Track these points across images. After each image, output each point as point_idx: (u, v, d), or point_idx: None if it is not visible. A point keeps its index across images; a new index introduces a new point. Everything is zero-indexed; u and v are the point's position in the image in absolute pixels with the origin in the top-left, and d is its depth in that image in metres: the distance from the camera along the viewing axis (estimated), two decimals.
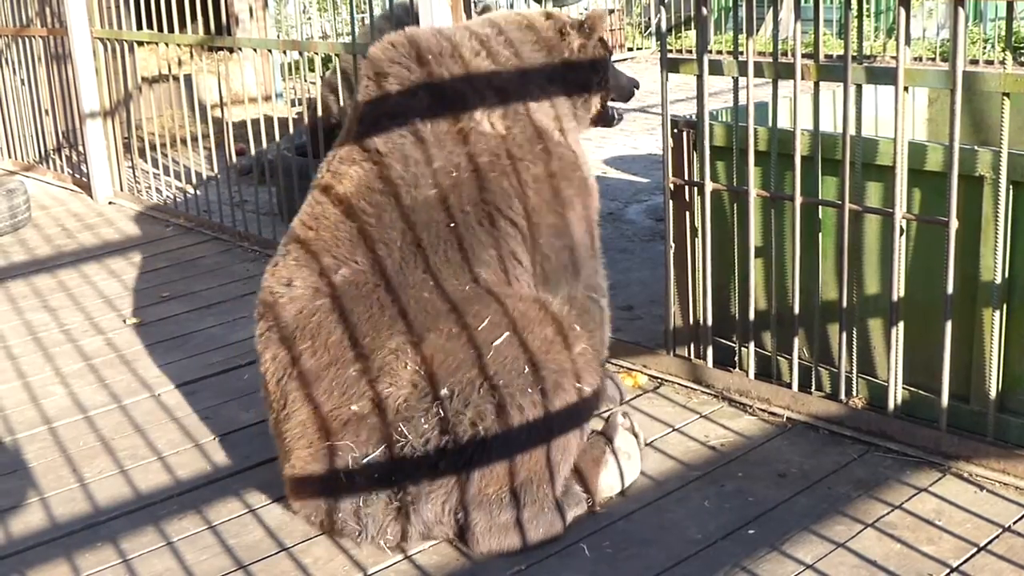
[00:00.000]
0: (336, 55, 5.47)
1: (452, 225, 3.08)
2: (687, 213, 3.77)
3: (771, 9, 12.74)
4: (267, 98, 9.26)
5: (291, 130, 6.94)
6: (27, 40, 7.67)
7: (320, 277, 3.04)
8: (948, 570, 2.70)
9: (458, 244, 3.07)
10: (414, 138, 3.15)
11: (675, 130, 3.74)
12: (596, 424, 3.24)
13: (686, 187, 3.76)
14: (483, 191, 3.15)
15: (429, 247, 3.05)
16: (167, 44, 6.61)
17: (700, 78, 3.60)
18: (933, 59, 12.02)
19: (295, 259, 3.11)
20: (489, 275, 3.09)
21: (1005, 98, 2.94)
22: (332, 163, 3.24)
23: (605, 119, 3.72)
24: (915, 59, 11.44)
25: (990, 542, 2.80)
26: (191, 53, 7.69)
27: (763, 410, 3.59)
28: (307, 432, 2.93)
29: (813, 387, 3.56)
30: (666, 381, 3.88)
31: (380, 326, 2.92)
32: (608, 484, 3.12)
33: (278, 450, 3.07)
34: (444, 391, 2.84)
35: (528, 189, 3.23)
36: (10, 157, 8.39)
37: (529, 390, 2.84)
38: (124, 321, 4.89)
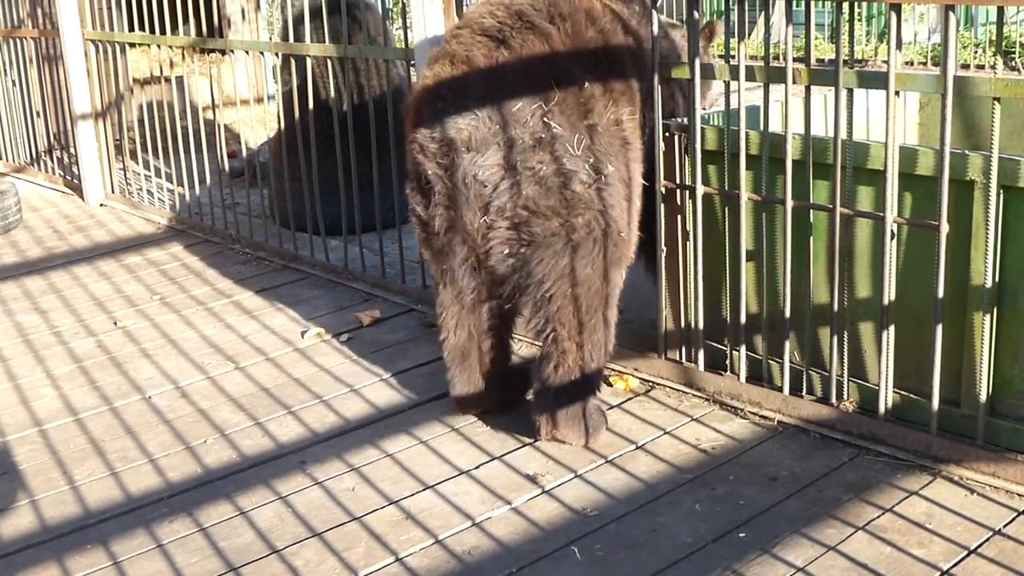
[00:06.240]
0: (329, 56, 5.45)
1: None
2: (679, 217, 3.78)
3: (763, 13, 12.76)
4: (259, 100, 9.27)
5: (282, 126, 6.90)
6: (18, 41, 7.65)
7: None
8: (938, 573, 2.71)
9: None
10: None
11: (667, 133, 3.74)
12: None
13: (678, 191, 3.76)
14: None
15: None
16: (159, 46, 6.59)
17: (692, 82, 3.60)
18: (924, 63, 12.06)
19: None
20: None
21: (996, 103, 2.95)
22: None
23: None
24: (906, 63, 11.47)
25: (980, 545, 2.81)
26: (183, 55, 7.68)
27: (754, 413, 3.60)
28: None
29: (804, 391, 3.57)
30: (657, 384, 3.88)
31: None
32: None
33: None
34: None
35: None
36: (1, 159, 8.36)
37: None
38: (115, 323, 4.88)
